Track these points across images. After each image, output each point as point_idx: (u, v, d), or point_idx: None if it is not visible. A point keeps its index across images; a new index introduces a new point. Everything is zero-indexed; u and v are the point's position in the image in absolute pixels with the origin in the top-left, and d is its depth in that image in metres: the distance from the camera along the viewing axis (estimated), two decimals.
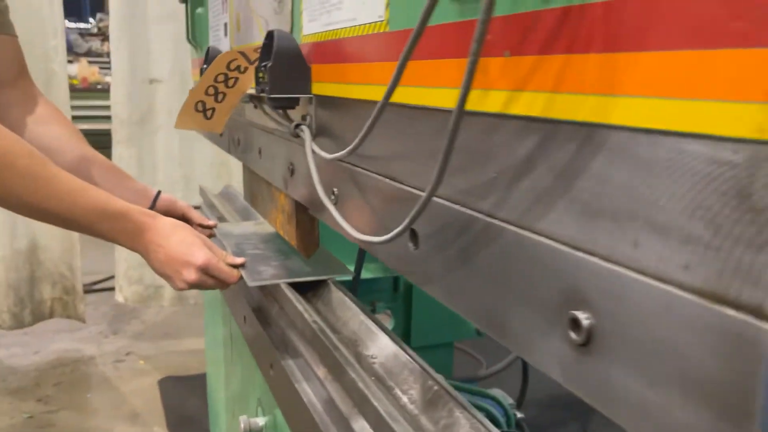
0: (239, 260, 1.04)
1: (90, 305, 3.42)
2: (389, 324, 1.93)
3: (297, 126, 0.82)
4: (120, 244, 1.00)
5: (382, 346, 0.80)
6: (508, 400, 1.53)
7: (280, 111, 0.85)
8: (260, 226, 1.32)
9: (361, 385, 0.69)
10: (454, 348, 2.06)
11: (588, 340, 0.36)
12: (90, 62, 6.17)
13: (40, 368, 2.80)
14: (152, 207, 1.23)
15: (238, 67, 0.87)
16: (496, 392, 1.53)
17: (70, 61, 6.18)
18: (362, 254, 1.74)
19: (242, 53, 0.86)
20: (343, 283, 1.67)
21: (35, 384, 2.66)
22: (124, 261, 2.99)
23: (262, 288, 1.09)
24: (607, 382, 0.35)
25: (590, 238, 0.36)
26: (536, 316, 0.40)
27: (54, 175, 0.92)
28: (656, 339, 0.32)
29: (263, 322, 1.05)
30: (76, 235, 2.91)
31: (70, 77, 5.84)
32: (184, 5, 1.82)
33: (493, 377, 2.07)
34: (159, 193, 1.28)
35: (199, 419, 2.25)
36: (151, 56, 2.85)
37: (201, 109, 0.88)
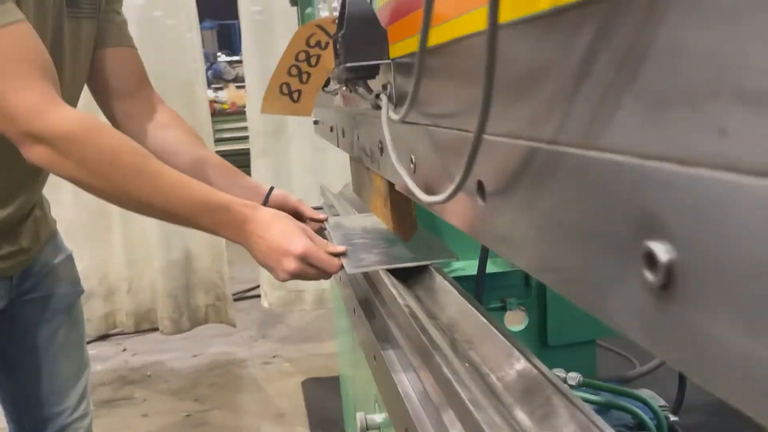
0: (340, 248, 1.00)
1: (241, 311, 3.61)
2: (523, 321, 1.81)
3: (377, 96, 0.77)
4: (223, 236, 1.00)
5: (479, 331, 0.71)
6: (659, 402, 1.35)
7: (361, 83, 0.80)
8: (371, 218, 1.28)
9: (447, 371, 0.61)
10: (596, 346, 1.89)
11: (668, 281, 0.26)
12: (237, 87, 6.61)
13: (198, 370, 2.99)
14: (265, 203, 1.24)
15: (318, 43, 0.83)
16: (645, 393, 1.36)
17: (220, 88, 6.68)
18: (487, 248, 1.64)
19: (320, 26, 0.82)
20: (465, 278, 1.58)
21: (192, 385, 2.84)
22: None
23: (366, 278, 1.05)
24: (697, 338, 0.25)
25: (660, 138, 0.26)
26: (604, 257, 0.30)
27: (157, 171, 0.94)
28: (763, 265, 0.21)
29: (368, 313, 1.00)
30: (223, 244, 3.09)
31: (221, 102, 6.30)
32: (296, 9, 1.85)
33: (645, 378, 1.86)
34: (272, 189, 1.28)
35: (339, 419, 2.26)
36: None
37: (286, 92, 0.86)
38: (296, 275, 0.97)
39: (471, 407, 0.55)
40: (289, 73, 0.84)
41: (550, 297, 1.80)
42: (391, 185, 0.91)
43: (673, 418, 1.34)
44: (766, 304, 0.21)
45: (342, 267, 0.98)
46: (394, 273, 0.96)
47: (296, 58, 0.84)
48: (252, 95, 3.01)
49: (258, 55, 2.94)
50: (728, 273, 0.23)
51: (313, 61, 0.84)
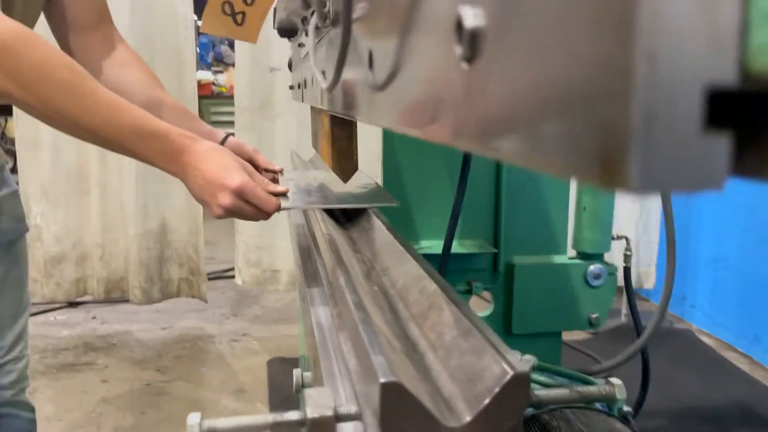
0: (280, 188, 0.96)
1: (216, 290, 3.57)
2: (489, 308, 1.77)
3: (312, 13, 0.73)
4: (158, 167, 0.96)
5: (396, 258, 0.67)
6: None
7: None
8: (326, 174, 1.25)
9: (352, 298, 0.57)
10: (563, 345, 1.85)
11: (473, 53, 0.22)
12: None
13: (165, 342, 2.95)
14: None
15: None
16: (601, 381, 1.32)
17: (220, 71, 6.64)
18: (454, 224, 1.60)
19: None
20: (430, 256, 1.54)
21: (157, 356, 2.79)
22: (243, 244, 3.08)
23: (309, 229, 1.01)
24: (490, 104, 0.21)
25: None
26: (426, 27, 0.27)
27: (91, 89, 0.90)
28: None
29: (305, 261, 0.96)
30: (200, 217, 3.04)
31: (219, 85, 6.26)
32: None
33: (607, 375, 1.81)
34: (228, 135, 1.24)
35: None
36: (270, 45, 2.92)
37: (229, 12, 0.82)
38: (231, 211, 0.93)
39: (360, 326, 0.52)
40: None
41: (517, 284, 1.77)
42: (334, 121, 0.88)
43: (626, 408, 1.30)
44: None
45: (279, 207, 0.94)
46: (336, 220, 0.92)
47: None
48: (240, 74, 2.97)
49: (250, 44, 2.91)
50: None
51: None
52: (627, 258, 1.84)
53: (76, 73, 0.90)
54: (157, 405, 2.37)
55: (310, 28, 0.65)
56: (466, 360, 0.42)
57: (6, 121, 5.93)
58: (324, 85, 0.53)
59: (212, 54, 6.66)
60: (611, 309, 3.22)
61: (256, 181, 0.95)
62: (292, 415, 0.48)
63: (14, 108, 2.92)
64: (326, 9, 0.63)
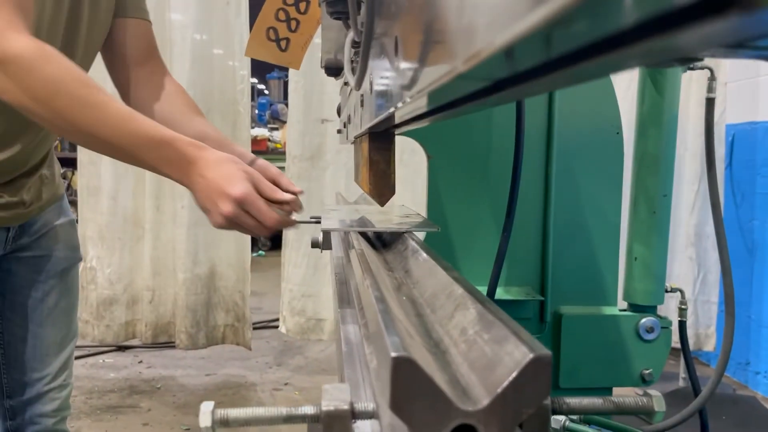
0: (286, 196, 0.95)
1: (262, 339, 3.58)
2: None
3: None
4: (167, 175, 0.95)
5: (429, 276, 0.66)
6: None
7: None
8: (371, 207, 1.25)
9: (380, 307, 0.56)
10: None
11: None
12: None
13: (208, 388, 2.94)
14: None
15: None
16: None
17: (275, 128, 6.87)
18: (498, 269, 1.57)
19: None
20: None
21: (199, 401, 2.77)
22: (288, 292, 3.09)
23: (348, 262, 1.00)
24: None
25: None
26: None
27: (103, 102, 0.92)
28: None
29: (340, 284, 0.95)
30: (248, 264, 3.08)
31: (274, 141, 6.46)
32: None
33: None
34: (256, 158, 1.26)
35: None
36: (324, 97, 3.00)
37: (273, 38, 0.84)
38: (232, 221, 0.92)
39: (379, 316, 0.50)
40: (277, 18, 0.83)
41: (564, 335, 1.70)
42: (372, 145, 0.88)
43: None
44: None
45: (280, 223, 0.94)
46: (375, 248, 0.92)
47: (284, 2, 0.83)
48: (292, 125, 3.06)
49: (303, 93, 3.01)
50: None
51: (302, 7, 0.83)
52: (682, 312, 1.75)
53: (88, 86, 0.92)
54: None
55: (347, 41, 0.67)
56: (487, 349, 0.40)
57: (73, 173, 6.24)
58: (352, 81, 0.54)
59: (269, 112, 6.91)
60: (668, 372, 3.06)
61: (262, 189, 0.94)
62: (307, 409, 0.46)
63: (79, 159, 3.08)
64: (359, 22, 0.64)
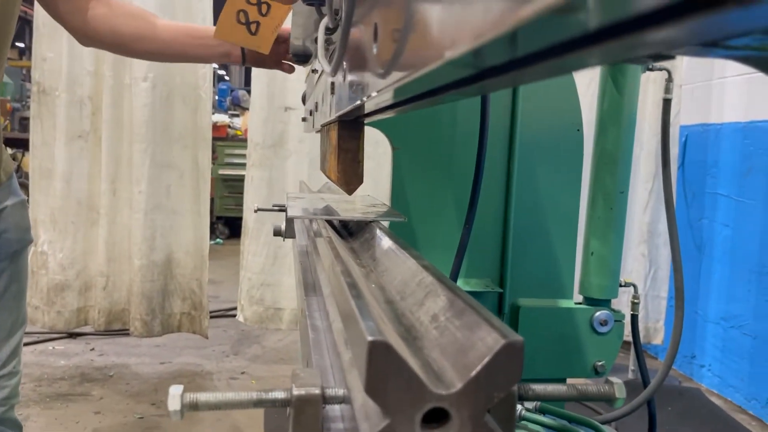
0: None
1: (219, 328, 3.54)
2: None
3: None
4: None
5: (397, 265, 0.66)
6: None
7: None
8: (336, 196, 1.25)
9: (349, 292, 0.56)
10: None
11: None
12: None
13: (162, 377, 2.90)
14: None
15: None
16: (605, 428, 1.27)
17: (236, 115, 6.77)
18: (459, 262, 1.58)
19: None
20: None
21: (153, 390, 2.74)
22: (247, 281, 3.06)
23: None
24: None
25: None
26: None
27: None
28: None
29: (305, 273, 0.95)
30: (206, 252, 3.04)
31: (235, 128, 6.37)
32: None
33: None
34: None
35: None
36: (287, 84, 2.97)
37: (244, 21, 0.83)
38: None
39: (352, 301, 0.50)
40: (248, 1, 0.82)
41: (522, 326, 1.73)
42: (341, 133, 0.88)
43: None
44: None
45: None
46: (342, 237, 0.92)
47: None
48: (255, 112, 3.02)
49: (266, 80, 2.98)
50: None
51: None
52: (635, 306, 1.80)
53: None
54: None
55: (321, 27, 0.66)
56: (459, 335, 0.41)
57: (23, 155, 6.03)
58: (328, 68, 0.54)
59: (230, 98, 6.80)
60: (618, 365, 3.16)
61: None
62: (278, 394, 0.47)
63: (31, 141, 2.98)
64: (335, 9, 0.64)
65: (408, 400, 0.35)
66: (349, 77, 0.56)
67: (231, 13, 0.85)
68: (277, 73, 2.92)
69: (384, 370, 0.35)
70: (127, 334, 3.05)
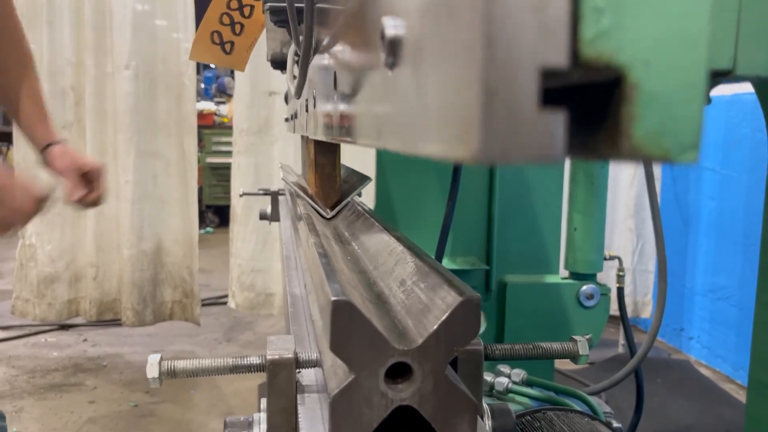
0: (42, 191, 0.98)
1: (211, 316, 3.55)
2: (482, 327, 1.75)
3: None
4: None
5: (373, 237, 0.67)
6: (604, 408, 1.30)
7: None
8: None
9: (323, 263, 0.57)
10: (553, 362, 1.82)
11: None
12: None
13: None
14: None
15: None
16: (592, 399, 1.29)
17: (222, 102, 6.73)
18: (444, 240, 1.60)
19: None
20: None
21: (146, 378, 2.75)
22: (237, 267, 3.07)
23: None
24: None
25: None
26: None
27: None
28: None
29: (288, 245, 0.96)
30: (195, 240, 3.04)
31: (221, 115, 6.33)
32: None
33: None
34: (55, 143, 1.28)
35: None
36: (271, 69, 2.96)
37: (218, 42, 0.84)
38: None
39: (321, 268, 0.51)
40: (221, 22, 0.83)
41: (509, 303, 1.75)
42: (316, 148, 0.89)
43: (616, 424, 1.27)
44: None
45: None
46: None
47: (228, 6, 0.82)
48: (239, 98, 3.01)
49: (249, 65, 2.96)
50: None
51: (246, 11, 0.83)
52: (620, 279, 1.82)
53: None
54: (144, 426, 2.33)
55: (290, 49, 0.67)
56: (423, 296, 0.42)
57: (8, 148, 5.99)
58: (293, 89, 0.54)
59: (215, 86, 6.76)
60: (608, 340, 3.19)
61: (21, 184, 0.95)
62: (253, 359, 0.48)
63: (14, 132, 2.96)
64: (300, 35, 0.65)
65: (372, 356, 0.36)
66: (318, 110, 0.57)
67: (205, 34, 0.85)
68: (260, 58, 2.91)
69: (348, 328, 0.36)
70: (119, 324, 3.06)
